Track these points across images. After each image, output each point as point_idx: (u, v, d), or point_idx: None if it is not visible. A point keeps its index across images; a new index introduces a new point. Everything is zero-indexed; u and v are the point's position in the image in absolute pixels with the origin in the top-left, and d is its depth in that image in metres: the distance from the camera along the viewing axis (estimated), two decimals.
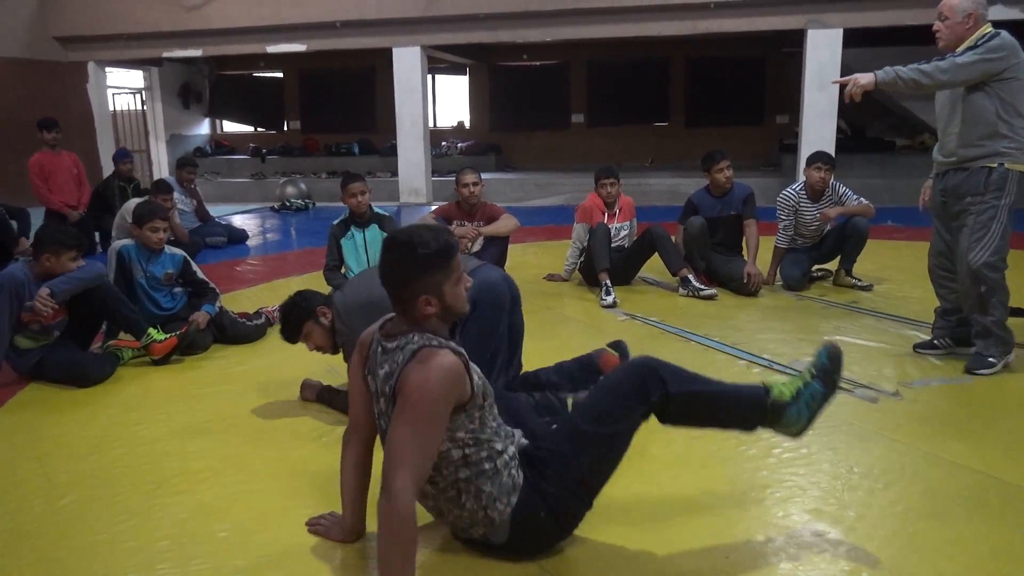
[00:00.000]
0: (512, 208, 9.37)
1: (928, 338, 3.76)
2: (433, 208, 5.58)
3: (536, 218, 8.91)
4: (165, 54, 11.71)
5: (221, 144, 15.08)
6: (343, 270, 4.62)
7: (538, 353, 3.35)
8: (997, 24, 3.34)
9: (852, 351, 3.81)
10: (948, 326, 3.64)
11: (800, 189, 5.17)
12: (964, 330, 3.56)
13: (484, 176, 5.25)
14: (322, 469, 2.61)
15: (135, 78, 13.62)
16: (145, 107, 13.77)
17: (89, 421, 3.13)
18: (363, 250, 4.64)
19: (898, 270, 5.57)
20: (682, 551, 2.04)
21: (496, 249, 4.97)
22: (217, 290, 4.23)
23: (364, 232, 4.66)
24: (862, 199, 5.13)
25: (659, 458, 2.59)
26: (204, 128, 15.40)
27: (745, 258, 5.13)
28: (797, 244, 5.22)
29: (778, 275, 5.23)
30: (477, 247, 5.04)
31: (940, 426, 2.86)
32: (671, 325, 4.36)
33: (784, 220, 5.18)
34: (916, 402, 3.11)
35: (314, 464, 2.66)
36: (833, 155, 9.55)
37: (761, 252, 5.15)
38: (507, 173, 12.99)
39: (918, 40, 11.18)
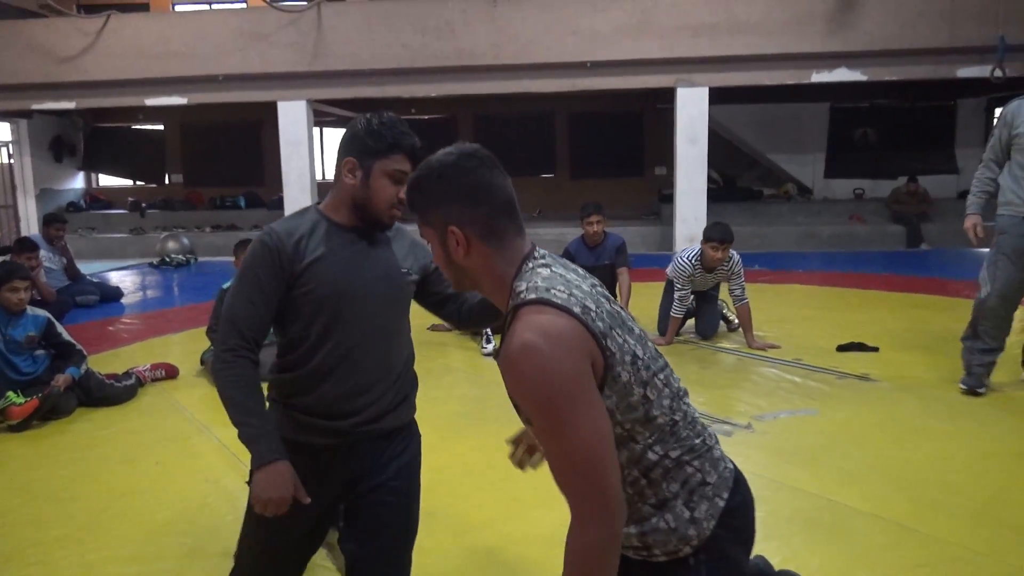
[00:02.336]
0: None
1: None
2: None
3: None
4: (35, 106, 11.24)
5: (97, 198, 14.45)
6: None
7: (422, 403, 3.40)
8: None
9: (712, 389, 4.07)
10: (990, 363, 3.82)
11: (696, 260, 5.09)
12: None
13: None
14: (186, 533, 2.57)
15: (1, 130, 12.95)
16: (12, 160, 13.08)
17: None
18: None
19: (760, 311, 5.91)
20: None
21: None
22: (84, 351, 4.07)
23: None
24: (744, 287, 5.08)
25: (523, 499, 2.69)
26: (78, 182, 14.74)
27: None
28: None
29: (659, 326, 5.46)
30: None
31: (784, 455, 3.10)
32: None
33: (682, 290, 5.13)
34: (766, 434, 3.35)
35: (178, 527, 2.61)
36: (706, 203, 10.22)
37: (650, 311, 5.40)
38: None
39: (776, 99, 12.25)
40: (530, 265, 1.37)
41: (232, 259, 4.66)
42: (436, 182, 1.42)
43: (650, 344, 1.41)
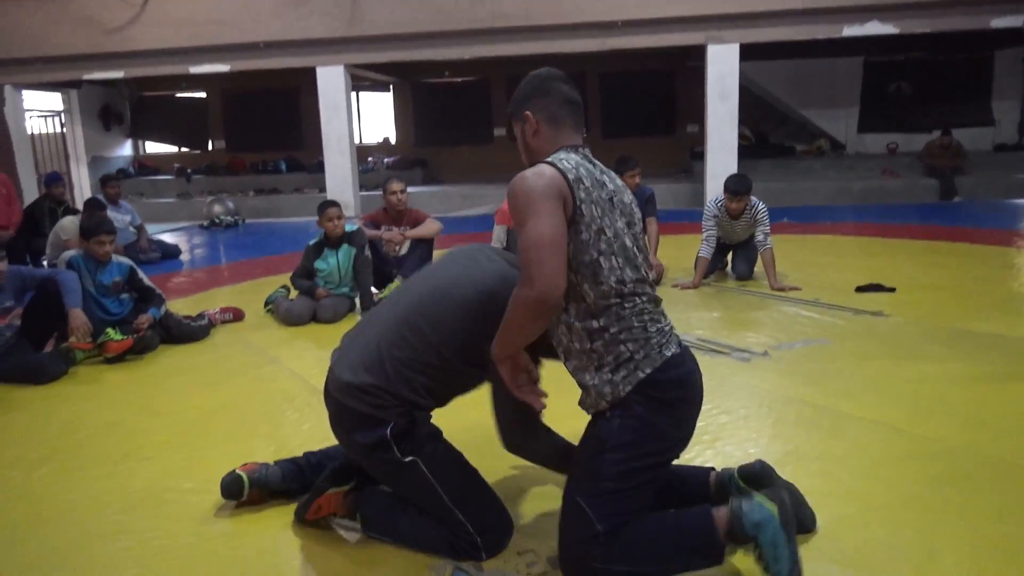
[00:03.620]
0: (438, 219, 9.83)
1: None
2: (362, 214, 5.96)
3: (462, 227, 9.36)
4: (85, 76, 11.71)
5: (144, 165, 15.03)
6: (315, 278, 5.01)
7: None
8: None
9: (734, 324, 4.39)
10: None
11: (721, 204, 5.41)
12: None
13: (411, 190, 5.67)
14: (271, 437, 3.00)
15: (53, 100, 13.51)
16: (64, 129, 13.66)
17: (52, 411, 3.41)
18: (336, 271, 5.00)
19: (785, 258, 6.15)
20: None
21: (422, 250, 5.41)
22: (163, 295, 4.53)
23: (337, 253, 5.00)
24: (769, 236, 5.28)
25: None
26: (126, 149, 15.32)
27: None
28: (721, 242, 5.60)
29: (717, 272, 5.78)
30: (405, 250, 5.46)
31: (795, 376, 3.42)
32: None
33: (709, 230, 5.43)
34: (781, 360, 3.67)
35: (262, 432, 3.04)
36: (737, 159, 10.33)
37: (684, 260, 5.74)
38: (433, 186, 13.40)
39: (809, 54, 12.26)
40: (566, 150, 1.91)
41: (316, 216, 5.07)
42: (524, 86, 2.00)
43: (631, 245, 1.87)
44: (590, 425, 1.92)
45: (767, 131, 13.89)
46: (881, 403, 3.04)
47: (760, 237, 5.30)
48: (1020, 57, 12.93)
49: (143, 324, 4.24)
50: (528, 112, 1.95)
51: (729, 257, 5.85)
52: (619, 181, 1.98)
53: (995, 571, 1.90)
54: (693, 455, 2.61)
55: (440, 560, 2.03)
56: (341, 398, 2.03)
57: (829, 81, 13.43)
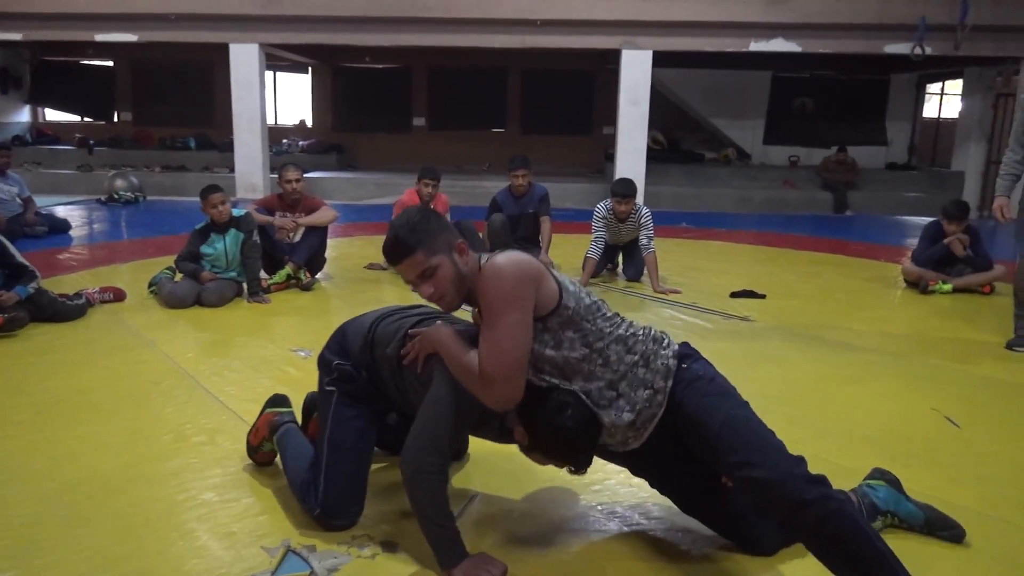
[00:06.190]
0: (350, 206, 9.76)
1: None
2: (256, 199, 5.90)
3: (371, 215, 9.35)
4: None
5: (43, 133, 14.35)
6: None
7: None
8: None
9: None
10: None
11: (609, 207, 5.59)
12: None
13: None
14: (134, 419, 3.00)
15: None
16: None
17: None
18: (223, 256, 4.93)
19: (674, 262, 6.41)
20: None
21: (315, 238, 5.42)
22: (36, 272, 4.37)
23: (224, 238, 4.93)
24: (652, 240, 5.52)
25: None
26: (24, 115, 14.60)
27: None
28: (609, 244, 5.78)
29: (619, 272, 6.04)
30: (298, 237, 5.46)
31: None
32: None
33: (598, 232, 5.61)
34: None
35: (127, 415, 3.03)
36: (645, 163, 10.62)
37: (572, 260, 5.93)
38: (348, 172, 13.28)
39: (724, 65, 12.72)
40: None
41: (199, 201, 4.93)
42: (425, 223, 1.96)
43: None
44: None
45: (680, 137, 14.34)
46: None
47: (644, 241, 5.52)
48: (914, 82, 13.76)
49: (5, 302, 4.11)
50: (459, 242, 1.99)
51: (620, 259, 6.07)
52: None
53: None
54: None
55: (275, 544, 2.11)
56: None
57: (740, 93, 13.95)
